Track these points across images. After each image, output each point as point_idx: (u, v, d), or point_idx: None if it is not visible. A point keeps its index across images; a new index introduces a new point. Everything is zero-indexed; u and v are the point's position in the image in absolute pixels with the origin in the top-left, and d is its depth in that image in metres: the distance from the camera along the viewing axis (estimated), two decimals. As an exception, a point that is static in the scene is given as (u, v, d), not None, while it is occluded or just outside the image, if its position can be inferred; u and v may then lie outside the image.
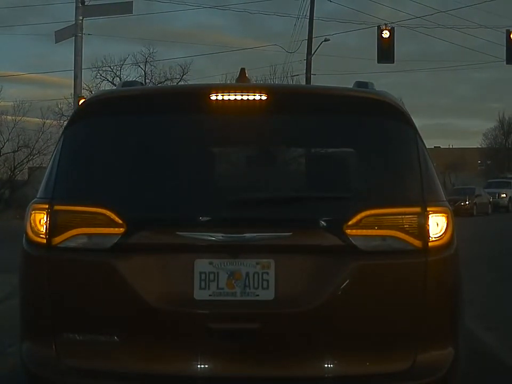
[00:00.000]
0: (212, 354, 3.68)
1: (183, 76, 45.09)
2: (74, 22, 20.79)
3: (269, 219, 3.72)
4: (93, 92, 36.05)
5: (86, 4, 20.87)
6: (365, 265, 3.68)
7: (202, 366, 3.68)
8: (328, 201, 3.82)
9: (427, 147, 4.07)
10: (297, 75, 38.18)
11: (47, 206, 3.80)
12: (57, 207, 3.78)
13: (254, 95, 3.94)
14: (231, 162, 4.54)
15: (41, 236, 3.78)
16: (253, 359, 3.67)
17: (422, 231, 3.72)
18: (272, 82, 36.56)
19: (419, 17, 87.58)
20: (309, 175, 4.24)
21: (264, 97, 3.94)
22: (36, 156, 38.74)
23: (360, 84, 4.44)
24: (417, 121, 4.25)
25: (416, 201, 3.77)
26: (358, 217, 3.68)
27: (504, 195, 44.18)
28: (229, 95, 3.94)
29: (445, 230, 3.77)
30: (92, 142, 4.05)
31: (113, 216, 3.70)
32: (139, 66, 46.12)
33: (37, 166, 37.76)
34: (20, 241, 3.91)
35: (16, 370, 4.46)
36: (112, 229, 3.70)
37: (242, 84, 4.49)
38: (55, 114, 41.69)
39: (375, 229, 3.69)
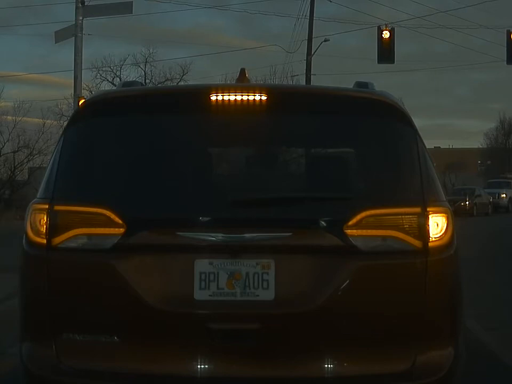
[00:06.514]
0: (211, 355, 3.67)
1: (183, 76, 45.13)
2: (74, 22, 20.76)
3: (269, 219, 3.72)
4: (93, 92, 36.02)
5: (86, 4, 20.84)
6: (365, 265, 3.68)
7: (202, 366, 3.68)
8: (328, 201, 3.82)
9: (427, 147, 4.07)
10: (297, 75, 38.19)
11: (47, 206, 3.79)
12: (57, 207, 3.78)
13: (254, 95, 3.94)
14: (231, 162, 4.54)
15: (41, 236, 3.77)
16: (253, 360, 3.67)
17: (422, 231, 3.72)
18: (272, 82, 36.51)
19: (419, 17, 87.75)
20: (309, 175, 4.24)
21: (264, 97, 3.94)
22: (36, 156, 38.74)
23: (360, 84, 4.44)
24: (417, 121, 4.25)
25: (416, 202, 3.77)
26: (358, 217, 3.67)
27: (504, 195, 44.17)
28: (229, 95, 3.94)
29: (445, 230, 3.77)
30: (92, 142, 4.05)
31: (113, 216, 3.70)
32: (139, 66, 46.17)
33: (37, 166, 37.71)
34: (20, 241, 3.91)
35: (16, 370, 4.45)
36: (112, 229, 3.70)
37: (242, 84, 4.49)
38: (55, 114, 41.73)
39: (375, 229, 3.69)
